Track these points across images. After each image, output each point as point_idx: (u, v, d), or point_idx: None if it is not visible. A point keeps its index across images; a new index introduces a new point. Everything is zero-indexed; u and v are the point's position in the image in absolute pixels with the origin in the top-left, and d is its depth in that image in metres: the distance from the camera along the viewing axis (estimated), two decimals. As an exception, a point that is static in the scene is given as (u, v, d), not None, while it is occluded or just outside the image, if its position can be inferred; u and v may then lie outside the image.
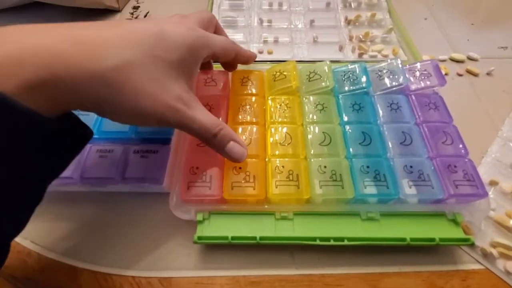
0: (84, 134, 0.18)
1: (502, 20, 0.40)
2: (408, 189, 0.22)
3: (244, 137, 0.24)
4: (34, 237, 0.24)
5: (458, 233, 0.22)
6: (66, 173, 0.22)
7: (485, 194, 0.22)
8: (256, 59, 0.34)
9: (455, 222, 0.23)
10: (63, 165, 0.17)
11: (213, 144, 0.20)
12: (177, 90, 0.18)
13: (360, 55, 0.34)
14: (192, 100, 0.19)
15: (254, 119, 0.25)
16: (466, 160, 0.23)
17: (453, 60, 0.36)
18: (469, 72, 0.35)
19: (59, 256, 0.23)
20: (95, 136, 0.24)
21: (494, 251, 0.22)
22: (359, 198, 0.22)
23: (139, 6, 0.44)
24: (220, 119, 0.25)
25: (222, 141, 0.20)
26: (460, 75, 0.35)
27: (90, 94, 0.16)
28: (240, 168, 0.22)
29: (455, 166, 0.23)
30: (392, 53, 0.34)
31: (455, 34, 0.38)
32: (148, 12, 0.43)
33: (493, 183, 0.26)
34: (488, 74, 0.34)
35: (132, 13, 0.43)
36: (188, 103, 0.18)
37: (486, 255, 0.23)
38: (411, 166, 0.23)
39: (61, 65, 0.14)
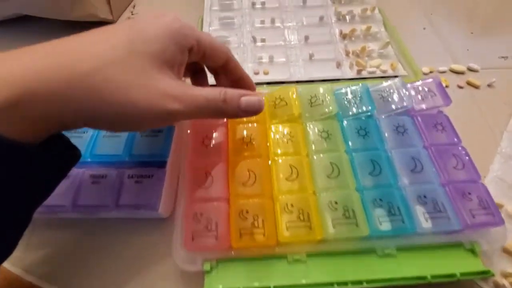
0: (71, 156, 0.18)
1: (502, 28, 0.40)
2: (424, 222, 0.21)
3: (247, 174, 0.23)
4: (17, 261, 0.23)
5: (477, 265, 0.21)
6: (58, 200, 0.22)
7: (502, 222, 0.22)
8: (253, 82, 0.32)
9: (473, 252, 0.22)
10: (50, 189, 0.17)
11: (227, 110, 0.19)
12: (167, 78, 0.17)
13: (359, 71, 0.33)
14: (184, 84, 0.19)
15: (256, 151, 0.24)
16: (479, 184, 0.23)
17: (453, 71, 0.36)
18: (469, 84, 0.34)
19: (36, 279, 0.22)
20: (87, 160, 0.24)
21: (507, 283, 0.22)
22: (374, 235, 0.21)
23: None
24: (220, 151, 0.24)
25: (234, 101, 0.19)
26: (460, 87, 0.34)
27: (71, 104, 0.15)
28: (247, 211, 0.21)
29: (469, 193, 0.22)
30: (391, 67, 0.34)
31: (455, 44, 0.38)
32: None
33: (498, 206, 0.25)
34: (489, 85, 0.34)
35: None
36: (182, 86, 0.18)
37: (498, 287, 0.22)
38: (424, 196, 0.22)
39: (34, 78, 0.14)
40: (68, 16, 0.37)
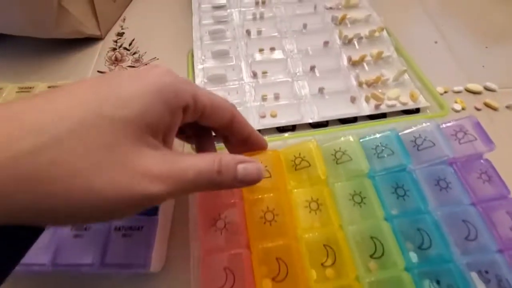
0: (33, 229, 0.14)
1: None
2: (490, 305, 0.18)
3: (277, 264, 0.19)
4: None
5: None
6: (36, 258, 0.20)
7: None
8: (261, 127, 0.29)
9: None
10: (13, 264, 0.14)
11: (222, 183, 0.16)
12: (146, 151, 0.14)
13: (377, 106, 0.30)
14: (169, 154, 0.15)
15: (282, 231, 0.20)
16: (542, 246, 0.20)
17: (469, 91, 0.34)
18: (487, 105, 0.33)
19: None
20: None
21: None
22: (435, 327, 0.18)
23: (123, 33, 0.40)
24: (239, 237, 0.20)
25: (230, 172, 0.16)
26: (478, 109, 0.33)
27: (7, 200, 0.11)
28: None
29: (534, 261, 0.19)
30: (411, 98, 0.31)
31: (469, 60, 0.36)
32: (133, 40, 0.39)
33: None
34: (508, 107, 0.32)
35: (116, 41, 0.39)
36: (166, 159, 0.14)
37: None
38: (486, 272, 0.19)
39: None
40: (51, 34, 0.35)
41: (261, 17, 0.36)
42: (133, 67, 0.36)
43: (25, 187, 0.11)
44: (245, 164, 0.17)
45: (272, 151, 0.23)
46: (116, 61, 0.37)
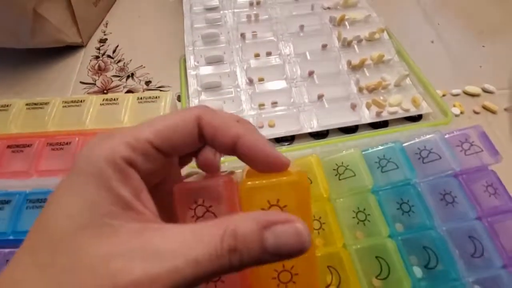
0: None
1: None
2: (497, 324, 0.19)
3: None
4: None
5: None
6: None
7: None
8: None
9: None
10: None
11: (242, 263, 0.11)
12: (106, 241, 0.10)
13: (378, 114, 0.30)
14: (146, 229, 0.11)
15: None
16: (548, 261, 0.20)
17: (467, 93, 0.34)
18: (485, 108, 0.33)
19: None
20: (9, 238, 0.22)
21: None
22: None
23: (106, 39, 0.39)
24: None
25: (253, 246, 0.11)
26: (476, 113, 0.33)
27: None
28: None
29: (541, 277, 0.20)
30: (413, 104, 0.31)
31: (467, 60, 0.36)
32: (117, 46, 0.38)
33: None
34: (506, 110, 0.33)
35: (98, 48, 0.38)
36: (135, 240, 0.10)
37: None
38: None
39: None
40: (27, 43, 0.33)
41: (256, 19, 0.35)
42: (118, 76, 0.35)
43: None
44: (275, 227, 0.11)
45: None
46: (100, 70, 0.36)
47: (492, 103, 0.33)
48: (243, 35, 0.34)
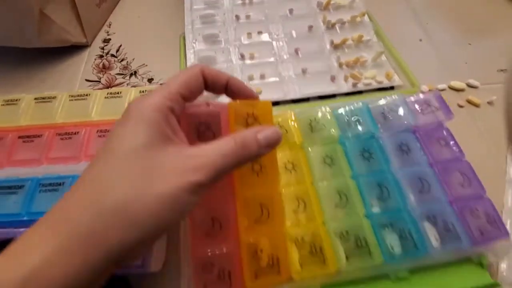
0: None
1: (499, 36, 0.41)
2: (435, 243, 0.23)
3: (260, 209, 0.22)
4: None
5: (486, 278, 0.23)
6: None
7: (507, 234, 0.23)
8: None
9: (481, 265, 0.24)
10: None
11: (250, 154, 0.18)
12: (174, 153, 0.17)
13: (354, 84, 0.34)
14: (191, 149, 0.18)
15: (268, 180, 0.23)
16: (485, 199, 0.24)
17: (452, 88, 0.36)
18: (470, 102, 0.35)
19: None
20: (24, 219, 0.23)
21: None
22: (388, 261, 0.22)
23: (110, 39, 0.42)
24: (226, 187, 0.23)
25: (253, 144, 0.18)
26: (461, 106, 0.35)
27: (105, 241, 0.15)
28: (261, 250, 0.22)
29: (476, 209, 0.24)
30: (386, 78, 0.35)
31: (453, 56, 0.39)
32: (120, 46, 0.41)
33: None
34: (489, 103, 0.35)
35: (102, 48, 0.41)
36: (194, 153, 0.17)
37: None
38: (434, 216, 0.24)
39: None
40: (34, 43, 0.36)
41: (250, 2, 0.40)
42: (122, 74, 0.38)
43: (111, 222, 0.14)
44: (263, 132, 0.19)
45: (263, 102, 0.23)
46: (104, 68, 0.38)
47: (475, 97, 0.35)
48: (237, 17, 0.39)
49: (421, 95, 0.29)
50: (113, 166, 0.16)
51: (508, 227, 0.26)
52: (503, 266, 0.25)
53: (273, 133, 0.19)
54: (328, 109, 0.28)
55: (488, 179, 0.26)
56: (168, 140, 0.17)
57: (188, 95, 0.19)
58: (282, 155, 0.26)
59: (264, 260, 0.21)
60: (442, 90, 0.36)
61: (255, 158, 0.19)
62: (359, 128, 0.27)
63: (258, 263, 0.21)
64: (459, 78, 0.36)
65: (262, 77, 0.35)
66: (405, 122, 0.27)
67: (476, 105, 0.35)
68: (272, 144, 0.19)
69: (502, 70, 0.38)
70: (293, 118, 0.28)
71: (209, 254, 0.22)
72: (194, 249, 0.22)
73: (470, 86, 0.36)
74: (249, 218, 0.22)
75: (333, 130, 0.27)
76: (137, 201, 0.15)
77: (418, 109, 0.29)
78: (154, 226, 0.15)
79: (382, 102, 0.29)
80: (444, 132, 0.28)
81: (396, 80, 0.35)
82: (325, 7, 0.40)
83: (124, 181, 0.15)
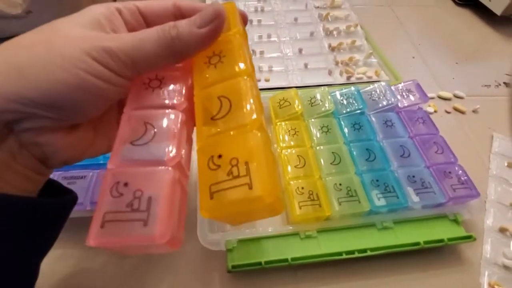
0: (67, 202, 0.17)
1: (484, 59, 0.45)
2: (414, 197, 0.26)
3: (213, 106, 0.16)
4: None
5: (460, 232, 0.26)
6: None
7: (478, 194, 0.26)
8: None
9: (456, 221, 0.27)
10: (52, 239, 0.16)
11: (178, 35, 0.15)
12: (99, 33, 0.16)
13: (348, 78, 0.39)
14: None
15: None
16: (457, 165, 0.28)
17: (440, 97, 0.39)
18: (456, 109, 0.38)
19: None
20: (101, 162, 0.26)
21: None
22: (374, 210, 0.25)
23: None
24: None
25: (182, 23, 0.16)
26: (448, 112, 0.38)
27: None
28: (220, 156, 0.14)
29: (449, 172, 0.27)
30: (375, 74, 0.40)
31: (442, 72, 0.43)
32: None
33: (503, 230, 0.27)
34: (474, 111, 0.38)
35: None
36: (122, 36, 0.16)
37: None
38: (413, 176, 0.27)
39: None
40: None
41: (262, 10, 0.46)
42: None
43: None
44: (200, 13, 0.16)
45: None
46: None
47: (461, 105, 0.38)
48: (250, 21, 0.44)
49: (403, 83, 0.34)
50: (34, 35, 0.15)
51: (491, 216, 0.29)
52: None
53: (209, 11, 0.16)
54: (326, 89, 0.33)
55: (472, 174, 0.27)
56: (97, 26, 0.16)
57: (151, 18, 0.18)
58: (286, 124, 0.30)
59: (224, 169, 0.14)
60: (432, 98, 0.38)
61: (195, 43, 0.16)
62: (351, 106, 0.32)
63: (215, 175, 0.14)
64: (446, 90, 0.40)
65: (270, 68, 0.40)
66: (390, 102, 0.32)
67: (462, 112, 0.37)
68: (208, 20, 0.16)
69: (486, 86, 0.41)
70: (296, 94, 0.32)
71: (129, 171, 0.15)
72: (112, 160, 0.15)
73: (456, 96, 0.39)
74: (204, 118, 0.16)
75: (329, 106, 0.31)
76: (38, 60, 0.14)
77: (400, 94, 0.33)
78: (51, 85, 0.14)
79: (370, 88, 0.33)
80: (422, 113, 0.32)
81: (383, 76, 0.40)
82: (324, 18, 0.46)
83: (35, 45, 0.14)
